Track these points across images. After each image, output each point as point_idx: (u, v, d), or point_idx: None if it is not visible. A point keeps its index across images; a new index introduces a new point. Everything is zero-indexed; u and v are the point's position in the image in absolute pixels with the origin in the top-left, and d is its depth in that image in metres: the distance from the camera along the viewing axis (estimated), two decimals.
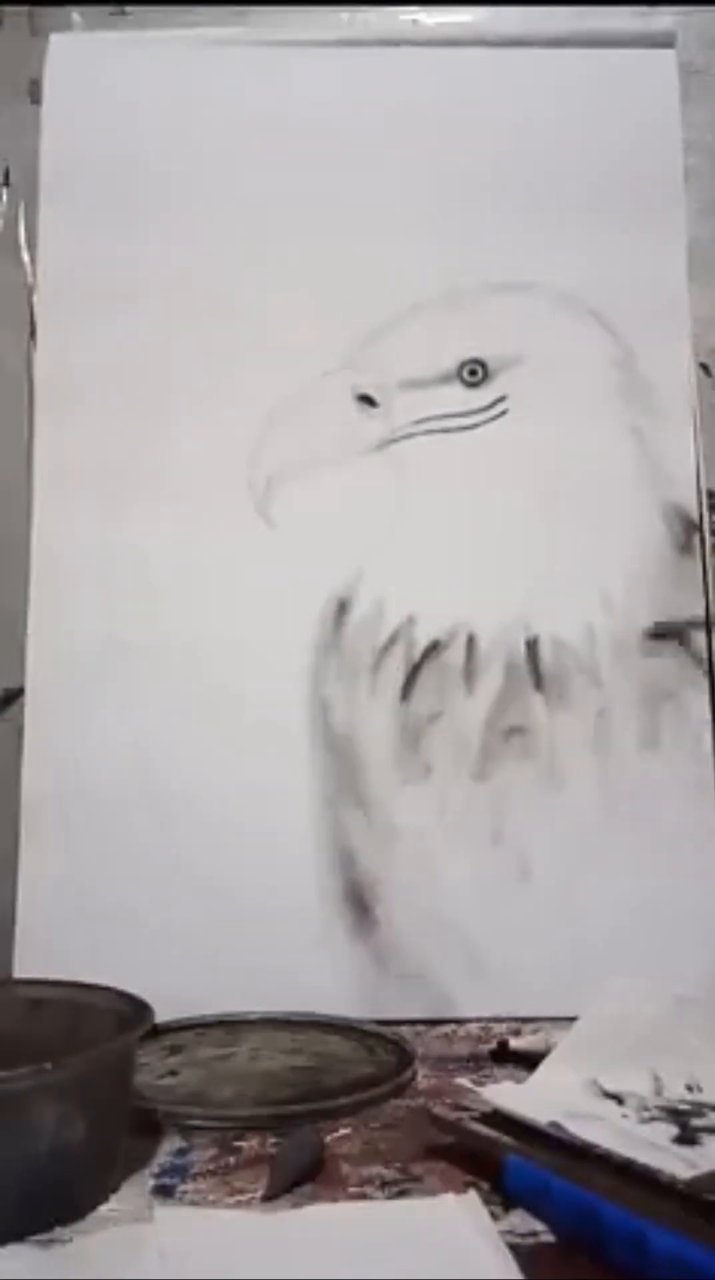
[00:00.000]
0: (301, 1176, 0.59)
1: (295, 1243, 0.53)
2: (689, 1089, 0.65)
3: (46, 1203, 0.55)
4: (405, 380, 0.92)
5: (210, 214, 0.94)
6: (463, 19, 0.98)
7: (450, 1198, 0.56)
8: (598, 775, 0.88)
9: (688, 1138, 0.60)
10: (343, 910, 0.87)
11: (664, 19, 0.97)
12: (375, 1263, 0.51)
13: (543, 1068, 0.68)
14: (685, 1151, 0.58)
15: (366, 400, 0.92)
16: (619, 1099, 0.63)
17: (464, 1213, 0.54)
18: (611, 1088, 0.64)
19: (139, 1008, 0.62)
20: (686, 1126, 0.61)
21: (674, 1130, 0.60)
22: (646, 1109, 0.62)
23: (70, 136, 0.95)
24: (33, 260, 0.96)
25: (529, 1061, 0.72)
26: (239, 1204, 0.57)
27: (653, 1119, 0.61)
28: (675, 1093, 0.64)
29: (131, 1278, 0.50)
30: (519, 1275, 0.49)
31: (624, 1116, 0.61)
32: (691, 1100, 0.64)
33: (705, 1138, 0.60)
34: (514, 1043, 0.76)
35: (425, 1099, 0.69)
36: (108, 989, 0.64)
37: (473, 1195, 0.56)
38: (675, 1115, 0.62)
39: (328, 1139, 0.64)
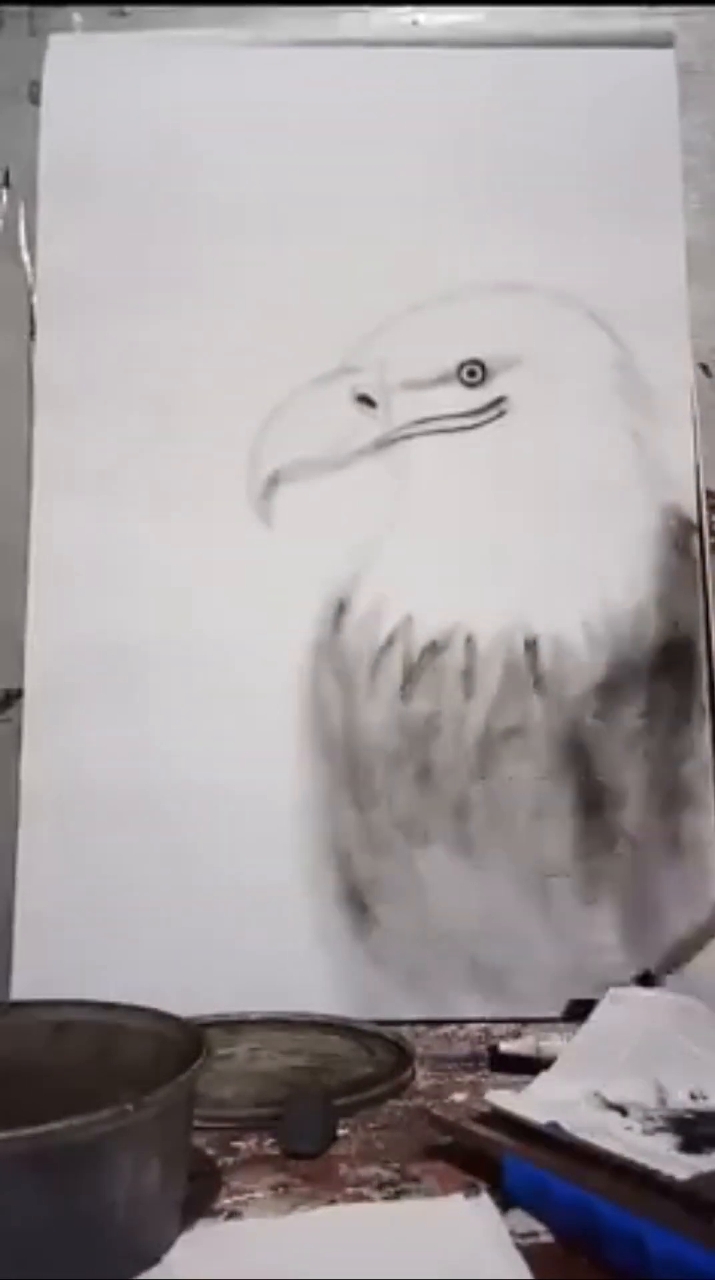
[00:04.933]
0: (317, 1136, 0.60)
1: (307, 1245, 0.53)
2: (693, 1097, 0.65)
3: (121, 1252, 0.50)
4: (404, 381, 0.92)
5: (209, 214, 0.93)
6: (462, 19, 0.98)
7: (460, 1198, 0.56)
8: (597, 775, 0.88)
9: (692, 1147, 0.59)
10: (341, 910, 0.87)
11: (663, 20, 0.97)
12: (387, 1265, 0.51)
13: (543, 1078, 0.68)
14: (690, 1159, 0.58)
15: (365, 400, 0.91)
16: (622, 1110, 0.63)
17: (475, 1214, 0.54)
18: (614, 1099, 0.64)
19: (185, 1030, 0.57)
20: (691, 1136, 0.60)
21: (678, 1140, 0.60)
22: (650, 1119, 0.62)
23: (70, 137, 0.95)
24: (32, 260, 0.96)
25: (523, 1065, 0.72)
26: (237, 1203, 0.57)
27: (657, 1129, 0.61)
28: (679, 1102, 0.64)
29: None
30: (529, 1277, 0.49)
31: (627, 1129, 0.61)
32: (695, 1109, 0.64)
33: (710, 1147, 0.59)
34: (504, 1046, 0.76)
35: (424, 1099, 0.69)
36: (141, 1009, 0.60)
37: (485, 1198, 0.55)
38: (679, 1125, 0.62)
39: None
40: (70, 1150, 0.48)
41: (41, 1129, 0.48)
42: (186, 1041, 0.56)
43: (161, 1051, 0.56)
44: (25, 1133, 0.48)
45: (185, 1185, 0.55)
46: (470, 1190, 0.57)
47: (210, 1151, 0.63)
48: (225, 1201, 0.57)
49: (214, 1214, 0.56)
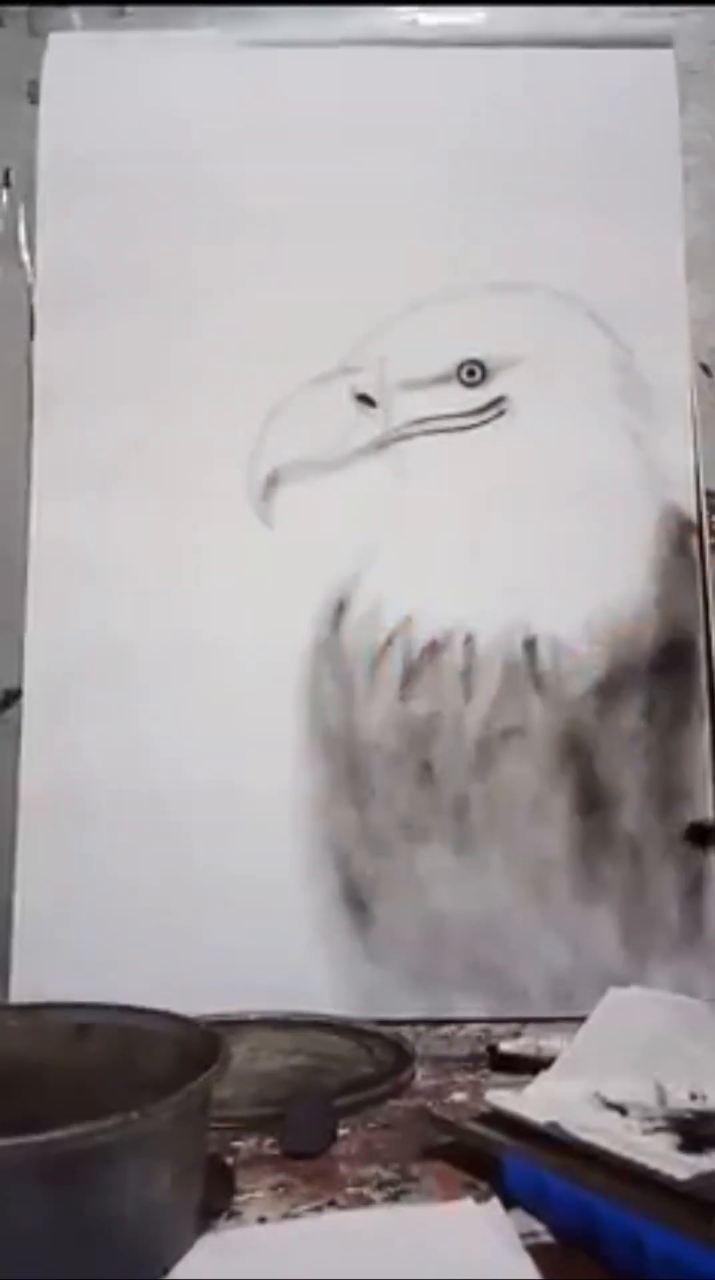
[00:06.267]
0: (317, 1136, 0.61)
1: (315, 1250, 0.53)
2: (693, 1097, 0.64)
3: (131, 1260, 0.50)
4: (404, 380, 0.92)
5: (208, 214, 0.94)
6: (462, 20, 0.98)
7: (470, 1203, 0.56)
8: (596, 775, 0.89)
9: (692, 1147, 0.59)
10: (341, 909, 0.87)
11: (663, 20, 0.97)
12: (397, 1271, 0.51)
13: (543, 1078, 0.68)
14: (690, 1159, 0.58)
15: (365, 400, 0.92)
16: (622, 1110, 0.63)
17: (486, 1220, 0.54)
18: (614, 1098, 0.64)
19: (205, 1035, 0.57)
20: (691, 1135, 0.60)
21: (678, 1139, 0.60)
22: (650, 1119, 0.62)
23: (70, 137, 0.95)
24: (32, 260, 0.96)
25: (523, 1065, 0.72)
26: (237, 1204, 0.57)
27: (657, 1129, 0.61)
28: (679, 1101, 0.64)
29: None
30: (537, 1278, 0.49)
31: (627, 1129, 0.61)
32: (696, 1109, 0.63)
33: (710, 1147, 0.59)
34: (504, 1046, 0.76)
35: (424, 1099, 0.69)
36: (161, 1013, 0.59)
37: (495, 1202, 0.55)
38: (679, 1124, 0.61)
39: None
40: (77, 1158, 0.48)
41: (45, 1137, 0.47)
42: (205, 1046, 0.55)
43: (181, 1055, 0.56)
44: (31, 1140, 0.47)
45: (199, 1192, 0.54)
46: (478, 1194, 0.57)
47: (212, 1151, 0.62)
48: (227, 1201, 0.57)
49: (214, 1214, 0.56)
